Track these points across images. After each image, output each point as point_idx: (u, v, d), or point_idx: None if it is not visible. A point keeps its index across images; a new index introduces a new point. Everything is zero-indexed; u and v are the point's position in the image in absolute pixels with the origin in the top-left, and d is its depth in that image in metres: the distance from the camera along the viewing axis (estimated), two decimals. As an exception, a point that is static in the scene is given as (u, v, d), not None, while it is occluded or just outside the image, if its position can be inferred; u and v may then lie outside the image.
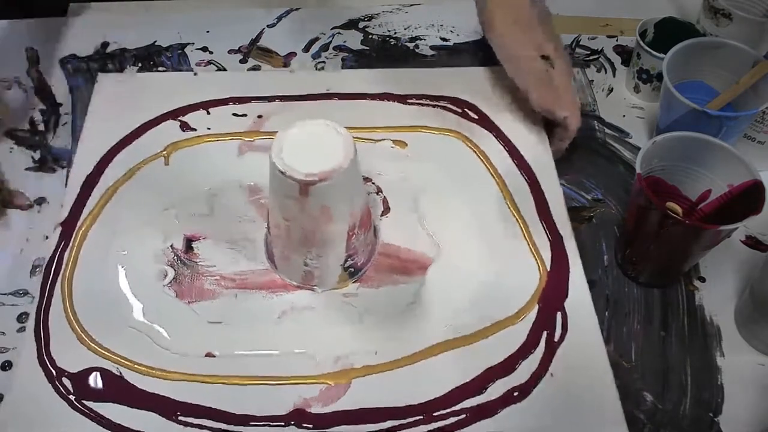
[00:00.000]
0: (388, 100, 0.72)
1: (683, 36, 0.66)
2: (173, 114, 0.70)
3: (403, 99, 0.72)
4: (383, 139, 0.69)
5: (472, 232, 0.62)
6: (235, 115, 0.71)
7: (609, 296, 0.60)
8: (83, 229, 0.62)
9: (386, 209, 0.64)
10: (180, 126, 0.70)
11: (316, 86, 0.73)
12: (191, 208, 0.63)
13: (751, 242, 0.63)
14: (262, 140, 0.68)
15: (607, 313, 0.59)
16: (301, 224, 0.52)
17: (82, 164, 0.66)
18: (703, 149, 0.57)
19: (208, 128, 0.69)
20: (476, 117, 0.71)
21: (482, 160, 0.67)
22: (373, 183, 0.65)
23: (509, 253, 0.61)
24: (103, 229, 0.62)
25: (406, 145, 0.68)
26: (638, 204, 0.56)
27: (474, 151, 0.68)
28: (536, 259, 0.61)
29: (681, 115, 0.62)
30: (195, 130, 0.69)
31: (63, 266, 0.59)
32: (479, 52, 0.80)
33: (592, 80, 0.77)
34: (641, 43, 0.71)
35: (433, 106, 0.72)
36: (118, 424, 0.52)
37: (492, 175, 0.66)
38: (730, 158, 0.56)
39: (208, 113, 0.71)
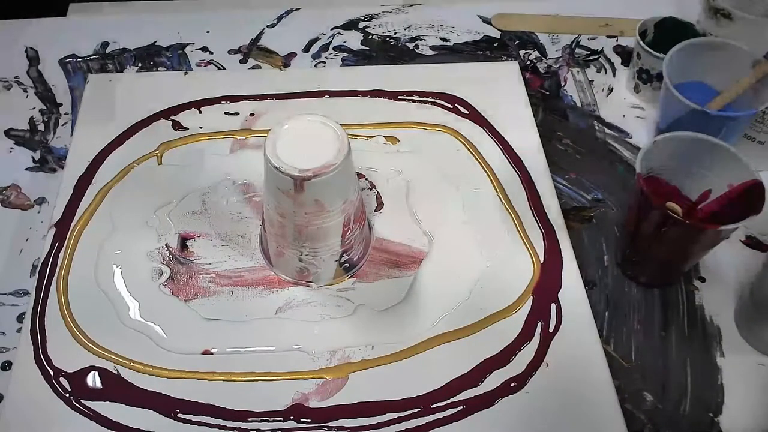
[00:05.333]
0: (380, 97, 0.72)
1: (683, 36, 0.66)
2: (165, 113, 0.71)
3: (394, 95, 0.72)
4: (375, 136, 0.69)
5: (466, 226, 0.63)
6: (227, 113, 0.71)
7: (609, 296, 0.60)
8: (77, 229, 0.62)
9: (380, 205, 0.64)
10: (172, 125, 0.70)
11: (308, 84, 0.73)
12: (185, 206, 0.64)
13: (751, 242, 0.63)
14: (255, 138, 0.69)
15: (607, 313, 0.59)
16: (296, 220, 0.52)
17: (75, 165, 0.66)
18: (703, 149, 0.56)
19: (200, 127, 0.70)
20: (467, 112, 0.71)
21: (474, 155, 0.68)
22: (366, 179, 0.66)
23: (502, 246, 0.61)
24: (98, 229, 0.62)
25: (398, 141, 0.69)
26: (638, 204, 0.56)
27: (465, 145, 0.69)
28: (529, 252, 0.61)
29: (681, 115, 0.62)
30: (187, 129, 0.70)
31: (58, 266, 0.59)
32: (479, 52, 0.80)
33: (592, 80, 0.77)
34: (641, 43, 0.71)
35: (424, 102, 0.72)
36: (117, 423, 0.52)
37: (484, 169, 0.67)
38: (730, 158, 0.56)
39: (200, 112, 0.71)
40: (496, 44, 0.81)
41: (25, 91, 0.75)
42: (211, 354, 0.55)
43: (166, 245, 0.61)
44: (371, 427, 0.52)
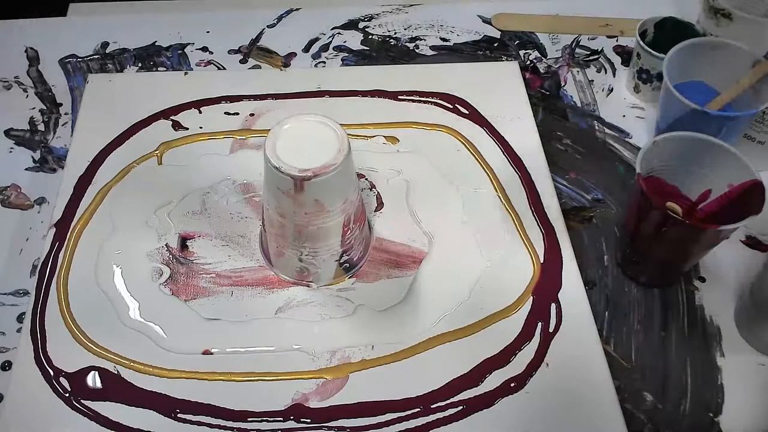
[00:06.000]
0: (380, 97, 0.72)
1: (683, 36, 0.66)
2: (165, 113, 0.71)
3: (394, 95, 0.72)
4: (375, 136, 0.69)
5: (465, 226, 0.63)
6: (227, 113, 0.71)
7: (609, 296, 0.60)
8: (77, 229, 0.62)
9: (380, 205, 0.64)
10: (172, 125, 0.70)
11: (308, 84, 0.73)
12: (185, 206, 0.64)
13: (751, 242, 0.63)
14: (255, 138, 0.69)
15: (607, 313, 0.59)
16: (296, 220, 0.52)
17: (75, 165, 0.66)
18: (703, 149, 0.56)
19: (201, 127, 0.70)
20: (467, 112, 0.71)
21: (474, 155, 0.68)
22: (366, 179, 0.66)
23: (502, 246, 0.61)
24: (98, 229, 0.62)
25: (398, 140, 0.69)
26: (638, 204, 0.55)
27: (465, 145, 0.69)
28: (529, 252, 0.61)
29: (681, 115, 0.62)
30: (187, 129, 0.70)
31: (58, 266, 0.59)
32: (479, 52, 0.80)
33: (592, 80, 0.77)
34: (641, 43, 0.71)
35: (424, 102, 0.72)
36: (117, 423, 0.52)
37: (484, 169, 0.67)
38: (730, 158, 0.56)
39: (200, 112, 0.71)
40: (496, 44, 0.81)
41: (25, 91, 0.75)
42: (211, 354, 0.55)
43: (166, 245, 0.61)
44: (371, 427, 0.52)
